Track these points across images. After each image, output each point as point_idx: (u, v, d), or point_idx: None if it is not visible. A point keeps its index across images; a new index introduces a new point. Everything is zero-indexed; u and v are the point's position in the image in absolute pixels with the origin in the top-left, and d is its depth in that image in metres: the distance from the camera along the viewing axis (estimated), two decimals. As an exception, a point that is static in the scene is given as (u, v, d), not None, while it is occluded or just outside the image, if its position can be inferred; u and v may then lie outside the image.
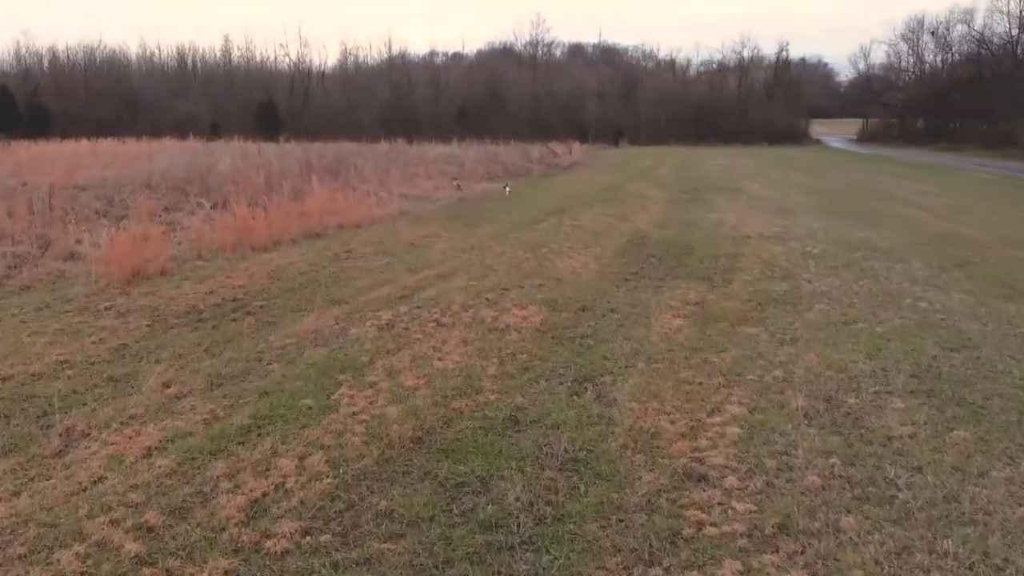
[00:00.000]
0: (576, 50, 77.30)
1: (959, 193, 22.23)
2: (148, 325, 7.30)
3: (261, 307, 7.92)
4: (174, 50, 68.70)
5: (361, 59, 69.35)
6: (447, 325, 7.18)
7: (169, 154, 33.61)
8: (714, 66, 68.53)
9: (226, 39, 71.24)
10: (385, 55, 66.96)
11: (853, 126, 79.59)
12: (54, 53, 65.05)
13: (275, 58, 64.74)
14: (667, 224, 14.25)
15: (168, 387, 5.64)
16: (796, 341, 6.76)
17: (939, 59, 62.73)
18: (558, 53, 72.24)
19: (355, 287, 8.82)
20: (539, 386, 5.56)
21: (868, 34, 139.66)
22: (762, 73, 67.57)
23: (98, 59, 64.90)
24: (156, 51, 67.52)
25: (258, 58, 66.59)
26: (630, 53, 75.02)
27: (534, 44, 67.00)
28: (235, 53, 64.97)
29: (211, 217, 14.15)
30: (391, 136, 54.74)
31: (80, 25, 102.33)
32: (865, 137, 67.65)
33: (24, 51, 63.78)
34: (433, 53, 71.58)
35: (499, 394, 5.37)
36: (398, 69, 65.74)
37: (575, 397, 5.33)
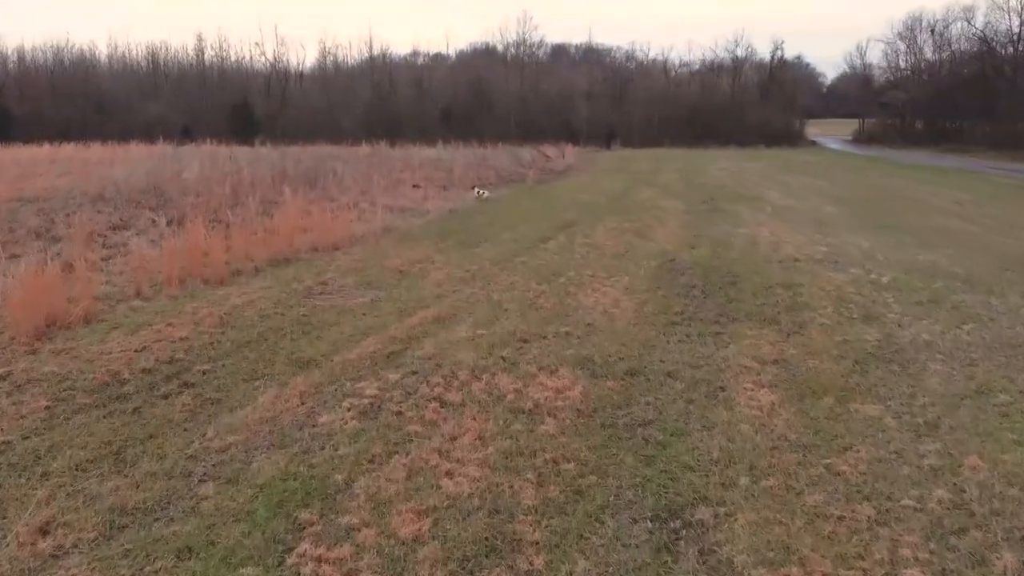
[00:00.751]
0: (563, 50, 75.73)
1: (996, 202, 20.66)
2: (47, 407, 5.41)
3: (204, 374, 6.04)
4: (144, 50, 66.29)
5: (341, 59, 67.34)
6: (454, 406, 5.33)
7: (134, 160, 31.55)
8: (706, 65, 67.09)
9: (199, 38, 68.69)
10: (366, 54, 64.97)
11: (846, 126, 78.52)
12: (19, 54, 62.56)
13: (251, 58, 62.54)
14: (695, 243, 12.47)
15: (46, 534, 3.76)
16: (936, 428, 4.98)
17: (938, 57, 61.70)
18: (541, 53, 70.45)
19: (330, 339, 6.96)
20: (605, 531, 3.72)
21: (847, 35, 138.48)
22: (755, 73, 66.23)
23: (66, 59, 62.47)
24: (126, 51, 65.08)
25: (233, 58, 64.35)
26: (619, 53, 73.41)
27: (520, 43, 65.27)
28: (208, 53, 62.73)
29: (165, 236, 12.23)
30: (373, 138, 52.85)
31: (48, 24, 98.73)
32: (863, 138, 66.47)
33: (-13, 52, 61.24)
34: (416, 53, 69.65)
35: (548, 552, 3.53)
36: (379, 69, 63.75)
37: (667, 557, 3.49)
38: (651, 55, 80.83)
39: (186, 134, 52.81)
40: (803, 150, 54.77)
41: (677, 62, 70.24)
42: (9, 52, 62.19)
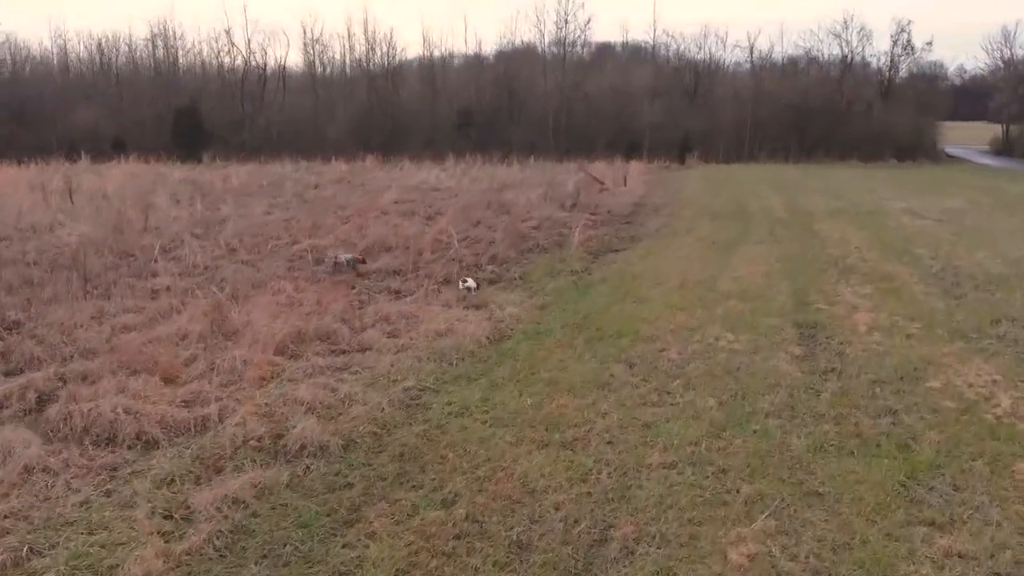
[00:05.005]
0: (612, 48, 62.69)
1: None
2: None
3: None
4: (89, 42, 55.92)
5: (331, 53, 55.97)
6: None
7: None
8: (807, 55, 54.13)
9: (161, 28, 57.52)
10: (362, 46, 53.41)
11: (974, 133, 64.47)
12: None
13: (218, 52, 51.42)
14: None
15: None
16: None
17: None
18: (585, 43, 57.97)
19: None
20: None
21: (978, 16, 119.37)
22: (872, 64, 53.14)
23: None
24: (61, 44, 54.66)
25: (194, 51, 53.41)
26: (691, 40, 60.70)
27: (562, 28, 52.88)
28: (163, 45, 51.80)
29: None
30: (366, 151, 41.40)
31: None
32: (1012, 150, 52.84)
33: None
34: (429, 52, 57.61)
35: None
36: (379, 64, 52.28)
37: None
38: (731, 41, 67.14)
39: (118, 148, 42.08)
40: (958, 167, 41.67)
41: (766, 49, 57.19)
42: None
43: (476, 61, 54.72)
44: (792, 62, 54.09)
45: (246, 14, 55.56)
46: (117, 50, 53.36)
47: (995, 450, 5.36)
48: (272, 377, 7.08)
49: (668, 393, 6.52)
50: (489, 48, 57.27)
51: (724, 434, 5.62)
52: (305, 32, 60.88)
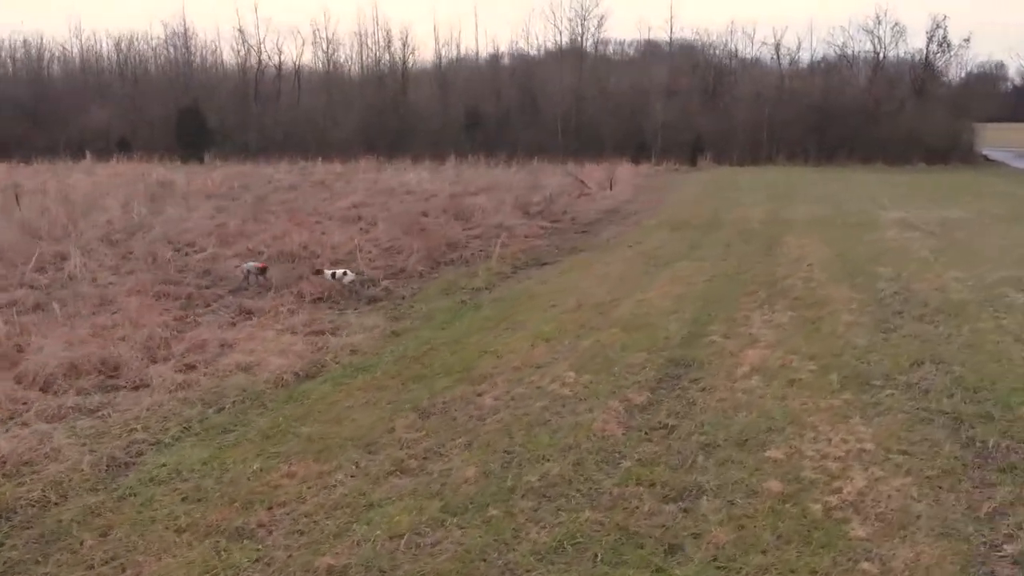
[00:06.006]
0: (646, 44, 60.93)
1: None
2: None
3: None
4: (106, 42, 56.32)
5: (347, 51, 55.44)
6: None
7: None
8: (837, 51, 51.90)
9: (182, 25, 57.75)
10: (376, 44, 52.67)
11: (1007, 133, 61.01)
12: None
13: (237, 51, 51.29)
14: None
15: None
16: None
17: None
18: (616, 44, 56.52)
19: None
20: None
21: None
22: (907, 62, 50.67)
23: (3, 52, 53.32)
24: (80, 44, 55.16)
25: (207, 51, 53.36)
26: (716, 37, 58.80)
27: (577, 26, 51.50)
28: (185, 43, 51.78)
29: None
30: (371, 153, 40.82)
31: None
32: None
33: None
34: (442, 47, 56.63)
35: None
36: (389, 64, 51.51)
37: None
38: (757, 38, 65.18)
39: (122, 147, 42.00)
40: (990, 171, 39.31)
41: (795, 46, 54.96)
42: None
43: (490, 61, 53.72)
44: (820, 60, 51.94)
45: (257, 13, 55.46)
46: (134, 49, 53.70)
47: (790, 565, 4.06)
48: (6, 419, 6.10)
49: (440, 455, 5.35)
50: (503, 48, 56.08)
51: (449, 521, 4.43)
52: (315, 32, 60.33)
